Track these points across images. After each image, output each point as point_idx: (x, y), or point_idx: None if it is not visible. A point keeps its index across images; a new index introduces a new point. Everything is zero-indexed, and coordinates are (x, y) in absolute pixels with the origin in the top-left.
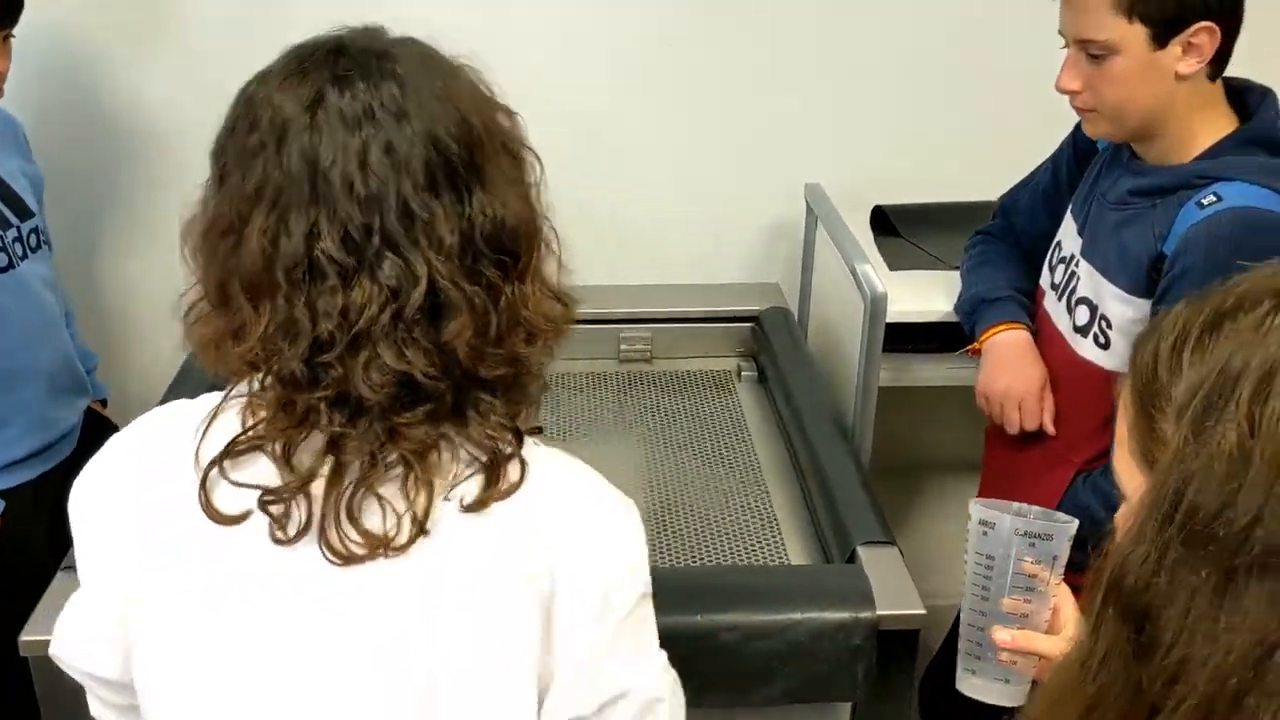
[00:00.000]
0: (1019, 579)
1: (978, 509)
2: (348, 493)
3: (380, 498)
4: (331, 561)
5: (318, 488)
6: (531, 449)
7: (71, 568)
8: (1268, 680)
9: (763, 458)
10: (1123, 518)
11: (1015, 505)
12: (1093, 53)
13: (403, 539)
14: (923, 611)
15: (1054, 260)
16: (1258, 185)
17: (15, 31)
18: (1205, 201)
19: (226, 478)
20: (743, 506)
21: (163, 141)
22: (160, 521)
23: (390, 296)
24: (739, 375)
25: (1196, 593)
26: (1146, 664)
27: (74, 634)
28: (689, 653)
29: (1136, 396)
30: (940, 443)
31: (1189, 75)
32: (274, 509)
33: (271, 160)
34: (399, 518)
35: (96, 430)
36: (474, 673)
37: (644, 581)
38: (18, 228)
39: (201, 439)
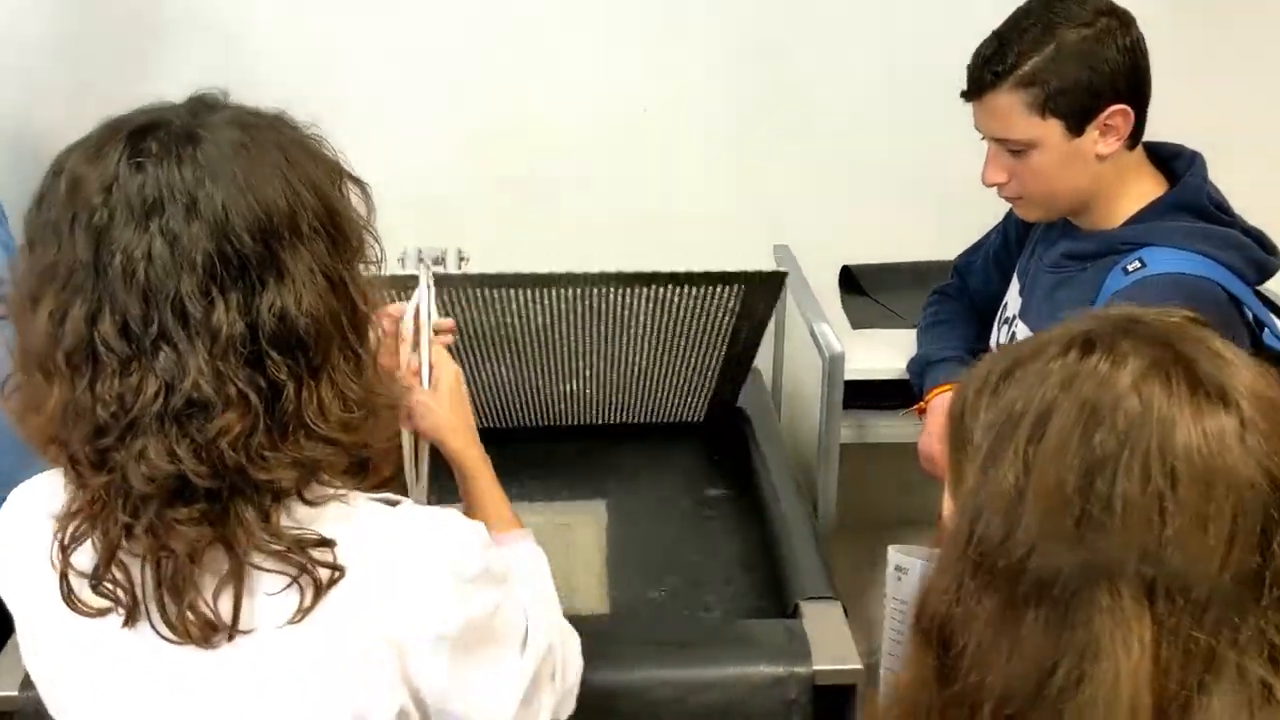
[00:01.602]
0: None
1: (894, 554)
2: (165, 579)
3: (196, 589)
4: (167, 640)
5: (138, 574)
6: (366, 514)
7: None
8: (1044, 706)
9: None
10: None
11: (935, 551)
12: (1012, 149)
13: (220, 636)
14: (859, 667)
15: (1000, 320)
16: (1180, 249)
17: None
18: (1131, 267)
19: (72, 566)
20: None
21: None
22: (40, 584)
23: (164, 388)
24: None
25: (986, 621)
26: (948, 688)
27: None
28: (625, 708)
29: (950, 438)
30: (906, 499)
31: (1109, 155)
32: (106, 589)
33: (65, 240)
34: (213, 612)
35: None
36: None
37: (467, 605)
38: None
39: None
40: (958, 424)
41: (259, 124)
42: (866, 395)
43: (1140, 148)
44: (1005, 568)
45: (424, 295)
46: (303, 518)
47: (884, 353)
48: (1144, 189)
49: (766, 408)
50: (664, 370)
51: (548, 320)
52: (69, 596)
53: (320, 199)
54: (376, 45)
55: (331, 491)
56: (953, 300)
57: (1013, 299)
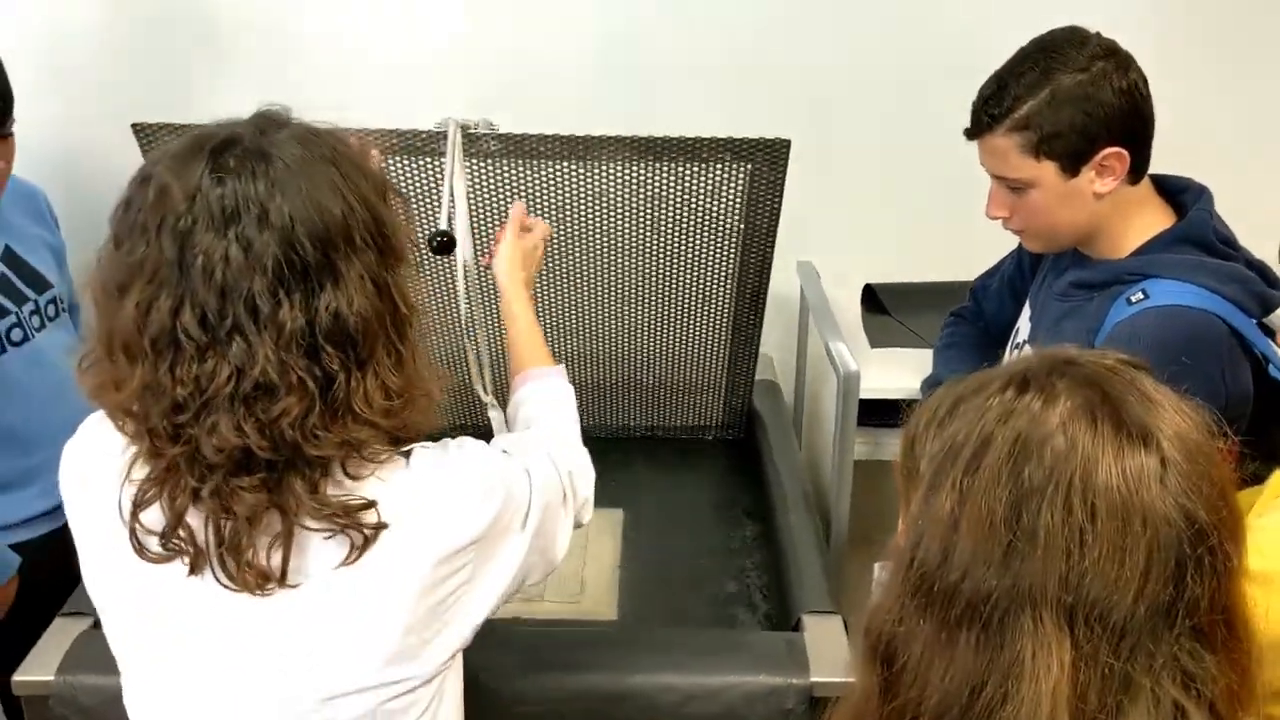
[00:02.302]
0: None
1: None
2: (225, 537)
3: (254, 547)
4: (227, 588)
5: (201, 531)
6: (394, 475)
7: (70, 614)
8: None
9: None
10: None
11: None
12: (1011, 186)
13: (273, 585)
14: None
15: (1011, 345)
16: (1183, 282)
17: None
18: (1134, 299)
19: (140, 523)
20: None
21: None
22: (106, 522)
23: (235, 373)
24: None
25: (924, 640)
26: (890, 702)
27: None
28: (628, 711)
29: (901, 467)
30: None
31: (1106, 193)
32: (174, 545)
33: (152, 240)
34: (268, 565)
35: None
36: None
37: (480, 516)
38: (35, 301)
39: (124, 481)
40: (908, 454)
41: (318, 141)
42: (885, 413)
43: (1147, 180)
44: (941, 591)
45: (453, 150)
46: (347, 486)
47: (902, 372)
48: (1150, 221)
49: (784, 422)
50: (680, 269)
51: (568, 198)
52: (140, 549)
53: (369, 211)
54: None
55: (370, 467)
56: (968, 323)
57: (1023, 325)
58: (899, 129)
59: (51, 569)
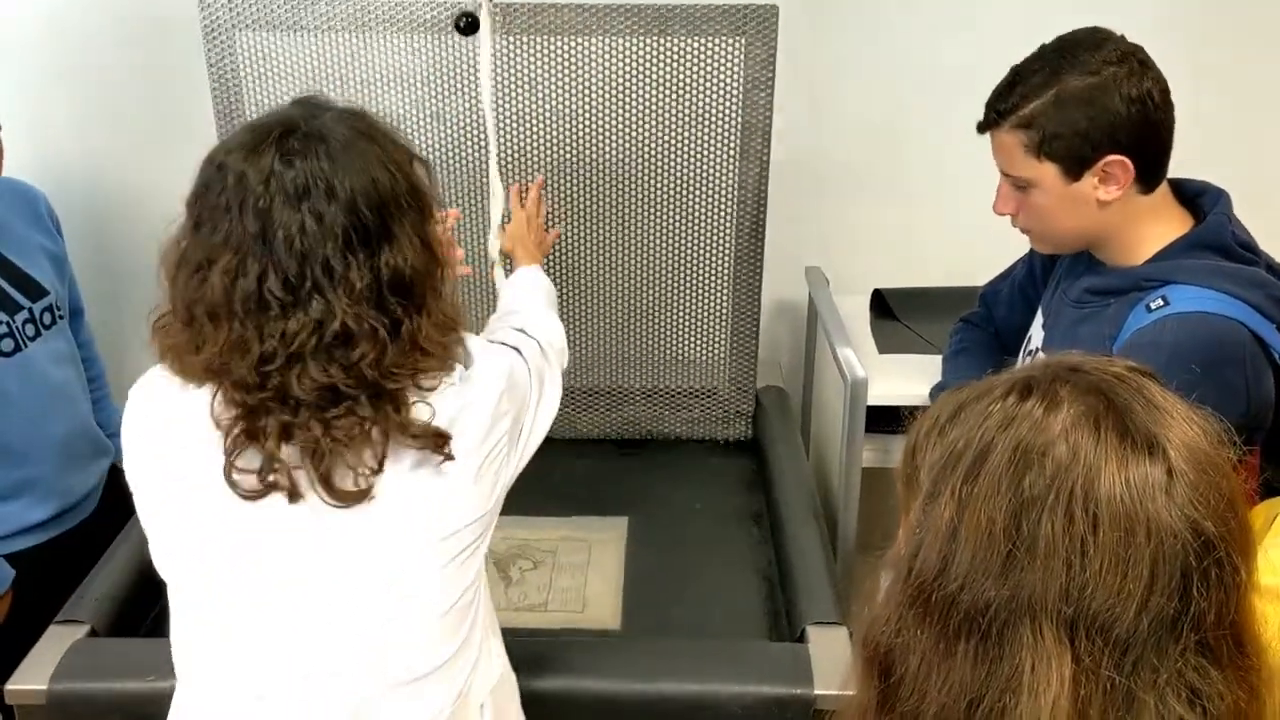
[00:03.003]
0: None
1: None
2: (321, 465)
3: (346, 464)
4: (329, 504)
5: (294, 461)
6: (456, 388)
7: (64, 622)
8: None
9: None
10: None
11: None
12: (1016, 184)
13: (369, 495)
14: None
15: (1024, 352)
16: (1204, 287)
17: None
18: (1153, 305)
19: (236, 466)
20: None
21: None
22: (191, 479)
23: (316, 326)
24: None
25: (922, 651)
26: (888, 714)
27: None
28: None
29: (901, 474)
30: None
31: (1110, 201)
32: (271, 479)
33: (235, 219)
34: (363, 477)
35: (120, 489)
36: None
37: (494, 429)
38: (29, 309)
39: (205, 434)
40: (908, 461)
41: (358, 122)
42: (894, 420)
43: (1165, 186)
44: (939, 601)
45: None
46: (424, 396)
47: (910, 379)
48: (1166, 228)
49: (792, 429)
50: (682, 191)
51: (572, 75)
52: (235, 487)
53: (406, 178)
54: None
55: (436, 379)
56: (977, 329)
57: (1036, 331)
58: (906, 132)
59: (45, 579)
